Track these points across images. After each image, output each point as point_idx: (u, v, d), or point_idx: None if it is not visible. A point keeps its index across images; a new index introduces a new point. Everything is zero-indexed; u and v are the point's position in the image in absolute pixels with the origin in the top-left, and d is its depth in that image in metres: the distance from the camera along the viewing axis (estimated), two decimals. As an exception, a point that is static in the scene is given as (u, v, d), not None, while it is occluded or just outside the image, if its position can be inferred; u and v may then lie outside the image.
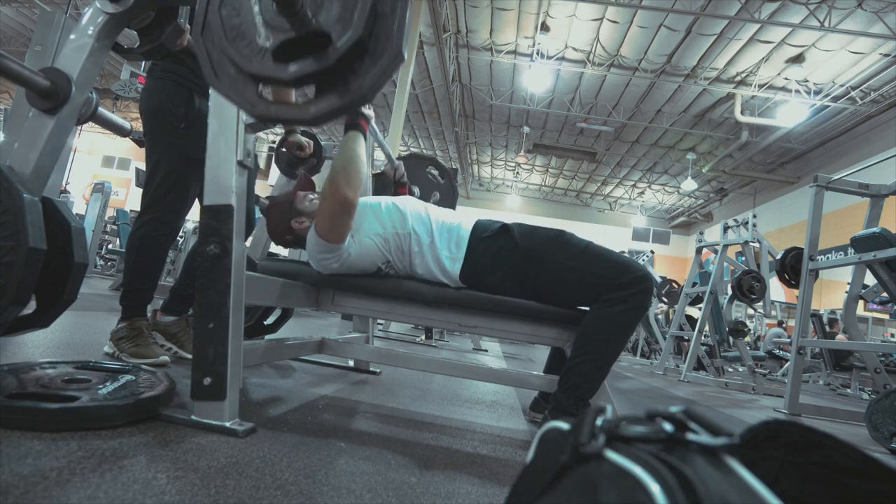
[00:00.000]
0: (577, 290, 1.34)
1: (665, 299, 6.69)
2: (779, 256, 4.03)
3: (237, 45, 0.67)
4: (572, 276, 1.33)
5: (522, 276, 1.36)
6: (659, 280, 6.77)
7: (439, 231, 1.40)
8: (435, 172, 2.48)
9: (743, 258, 4.76)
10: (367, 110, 1.36)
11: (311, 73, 0.64)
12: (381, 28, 0.66)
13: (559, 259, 1.34)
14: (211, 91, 1.04)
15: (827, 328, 6.44)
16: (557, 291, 1.37)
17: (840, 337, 6.26)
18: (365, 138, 1.34)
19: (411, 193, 2.29)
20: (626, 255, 1.46)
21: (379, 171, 2.30)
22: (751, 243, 4.65)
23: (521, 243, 1.36)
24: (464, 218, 1.46)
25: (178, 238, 5.81)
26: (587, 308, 1.35)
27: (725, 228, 4.93)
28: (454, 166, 14.80)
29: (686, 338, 5.39)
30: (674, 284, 6.74)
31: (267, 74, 0.65)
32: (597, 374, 1.27)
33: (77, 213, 4.31)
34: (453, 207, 2.51)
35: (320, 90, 0.67)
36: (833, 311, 7.06)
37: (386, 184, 2.24)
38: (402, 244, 1.38)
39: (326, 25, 0.65)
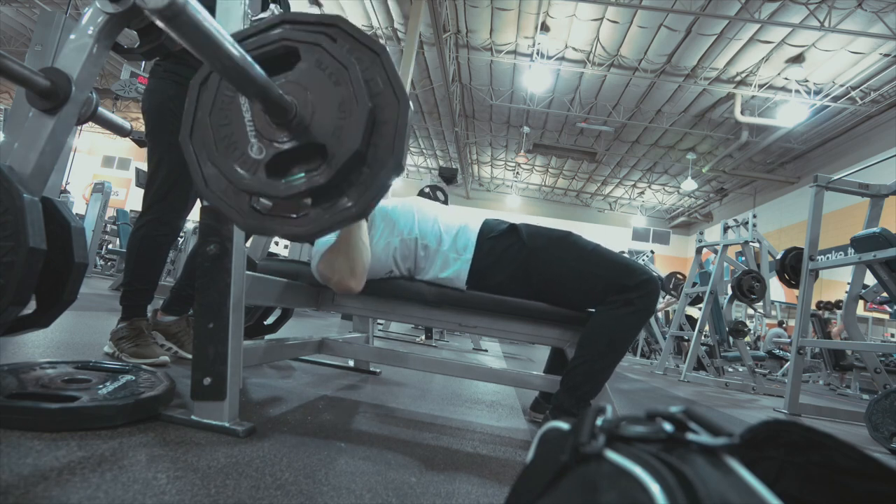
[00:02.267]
0: (583, 292, 1.34)
1: (673, 292, 6.69)
2: (779, 256, 4.03)
3: (229, 157, 0.63)
4: (578, 278, 1.33)
5: (528, 276, 1.36)
6: (663, 277, 6.78)
7: (448, 234, 1.39)
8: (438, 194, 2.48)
9: (743, 258, 4.76)
10: None
11: (306, 191, 0.62)
12: (381, 137, 0.63)
13: (566, 260, 1.34)
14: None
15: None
16: (563, 292, 1.37)
17: (837, 329, 6.28)
18: (367, 219, 1.30)
19: None
20: (625, 254, 1.45)
21: None
22: (751, 243, 4.65)
23: (528, 243, 1.36)
24: (472, 218, 1.45)
25: (179, 238, 5.80)
26: (591, 309, 1.35)
27: (725, 228, 4.93)
28: (454, 166, 14.81)
29: (686, 338, 5.39)
30: (678, 276, 6.75)
31: (260, 191, 0.63)
32: (600, 375, 1.27)
33: (77, 213, 4.32)
34: None
35: (316, 203, 0.64)
36: (833, 311, 7.06)
37: None
38: (408, 250, 1.38)
39: (321, 137, 0.62)
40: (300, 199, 0.63)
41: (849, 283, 2.89)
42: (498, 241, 1.38)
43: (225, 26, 0.98)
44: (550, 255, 1.35)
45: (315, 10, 8.23)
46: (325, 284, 1.28)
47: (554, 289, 1.37)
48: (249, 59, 0.60)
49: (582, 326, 1.33)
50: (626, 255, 1.40)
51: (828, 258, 5.96)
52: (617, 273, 1.29)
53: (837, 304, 6.58)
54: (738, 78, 9.29)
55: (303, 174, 0.62)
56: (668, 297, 6.91)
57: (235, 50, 0.58)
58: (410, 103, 0.65)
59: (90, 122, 1.37)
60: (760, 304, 4.42)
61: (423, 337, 4.13)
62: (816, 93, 9.26)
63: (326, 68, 0.66)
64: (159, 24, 0.50)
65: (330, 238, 1.28)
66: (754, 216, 4.66)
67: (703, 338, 4.81)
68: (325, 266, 1.24)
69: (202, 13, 0.53)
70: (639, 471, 0.23)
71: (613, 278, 1.29)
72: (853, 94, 9.08)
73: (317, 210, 0.64)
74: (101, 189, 5.59)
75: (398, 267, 1.38)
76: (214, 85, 0.70)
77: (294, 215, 0.65)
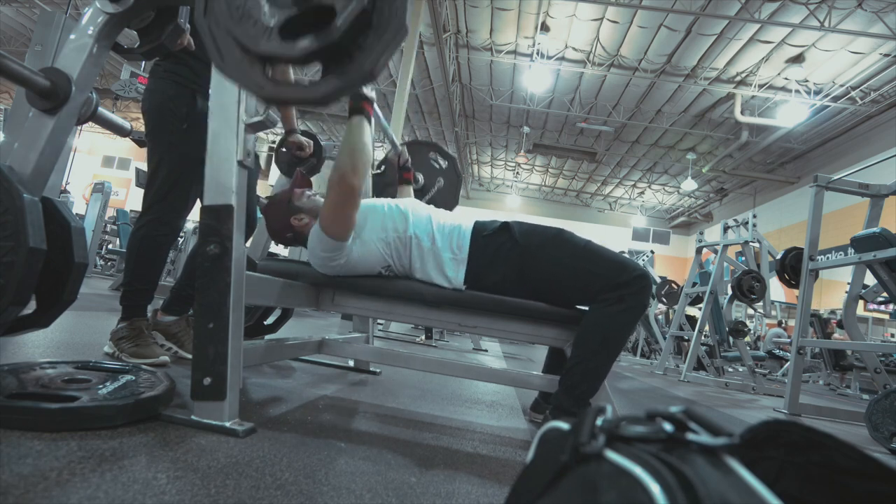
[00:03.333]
0: (576, 289, 1.34)
1: (665, 300, 6.69)
2: (779, 256, 4.03)
3: (243, 25, 0.66)
4: (570, 275, 1.33)
5: (522, 274, 1.36)
6: (658, 280, 6.77)
7: (440, 233, 1.39)
8: (438, 158, 2.47)
9: (743, 258, 4.76)
10: (370, 92, 1.33)
11: (318, 49, 0.64)
12: (385, 1, 0.66)
13: (558, 257, 1.34)
14: (211, 91, 1.04)
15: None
16: (556, 290, 1.37)
17: (836, 336, 6.27)
18: (370, 122, 1.32)
19: (415, 180, 2.28)
20: (625, 255, 1.45)
21: (379, 171, 2.30)
22: (751, 243, 4.65)
23: (520, 241, 1.36)
24: (463, 219, 1.46)
25: (179, 238, 5.81)
26: (586, 308, 1.35)
27: (725, 228, 4.93)
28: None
29: (686, 338, 5.39)
30: (673, 285, 6.74)
31: (275, 53, 0.65)
32: (597, 373, 1.27)
33: (77, 213, 4.31)
34: (458, 193, 2.51)
35: (327, 69, 0.67)
36: (833, 311, 7.06)
37: (387, 182, 2.23)
38: (401, 248, 1.38)
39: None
40: (313, 59, 0.65)
41: (849, 283, 2.89)
42: (491, 240, 1.38)
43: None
44: (543, 253, 1.35)
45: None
46: (329, 194, 1.27)
47: (548, 286, 1.37)
48: None
49: (578, 326, 1.33)
50: (618, 252, 1.39)
51: (828, 258, 5.96)
52: (609, 269, 1.30)
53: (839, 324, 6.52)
54: (738, 78, 9.29)
55: (313, 36, 0.65)
56: (659, 305, 6.89)
57: None
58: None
59: (90, 122, 1.37)
60: (760, 304, 4.42)
61: (423, 337, 4.13)
62: (816, 93, 9.26)
63: None
64: None
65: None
66: (754, 216, 4.66)
67: (703, 338, 4.81)
68: (332, 170, 1.26)
69: None
70: (639, 471, 0.23)
71: (606, 275, 1.29)
72: (853, 94, 9.08)
73: (328, 76, 0.66)
74: (101, 189, 5.59)
75: (394, 264, 1.39)
76: None
77: (307, 84, 0.68)
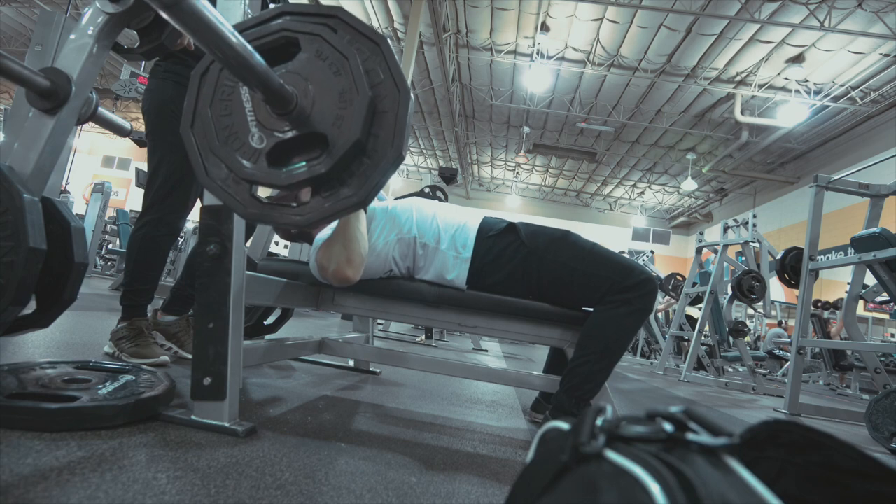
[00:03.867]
0: (581, 291, 1.34)
1: (672, 293, 6.68)
2: (779, 256, 4.03)
3: (229, 146, 0.64)
4: (576, 277, 1.33)
5: (526, 275, 1.36)
6: (662, 277, 6.78)
7: (446, 233, 1.38)
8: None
9: (743, 258, 4.76)
10: None
11: (307, 180, 0.62)
12: (381, 127, 0.63)
13: (564, 259, 1.34)
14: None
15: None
16: (561, 292, 1.37)
17: (836, 328, 6.27)
18: (365, 210, 1.30)
19: None
20: (625, 254, 1.45)
21: None
22: (751, 243, 4.65)
23: (527, 243, 1.36)
24: (470, 217, 1.45)
25: (179, 238, 5.81)
26: (590, 309, 1.35)
27: (725, 228, 4.93)
28: (454, 166, 14.81)
29: (686, 338, 5.39)
30: (678, 277, 6.75)
31: (262, 181, 0.63)
32: (599, 374, 1.27)
33: (77, 213, 4.32)
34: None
35: (316, 192, 0.65)
36: (833, 311, 7.06)
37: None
38: (406, 249, 1.37)
39: (322, 127, 0.62)
40: (301, 188, 0.64)
41: (849, 283, 2.89)
42: (497, 241, 1.38)
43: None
44: (549, 255, 1.34)
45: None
46: (323, 277, 1.27)
47: (552, 288, 1.37)
48: (250, 48, 0.61)
49: (582, 326, 1.33)
50: (624, 255, 1.39)
51: (828, 258, 5.96)
52: (615, 273, 1.29)
53: (836, 305, 6.58)
54: (738, 78, 9.29)
55: (304, 163, 0.63)
56: (667, 297, 6.91)
57: (236, 39, 0.58)
58: (411, 93, 0.65)
59: (90, 122, 1.37)
60: (760, 304, 4.42)
61: (423, 337, 4.13)
62: (816, 93, 9.26)
63: (327, 58, 0.66)
64: (161, 13, 0.50)
65: (328, 232, 1.29)
66: (754, 216, 4.66)
67: (703, 338, 4.81)
68: (322, 256, 1.24)
69: (203, 2, 0.53)
70: (639, 471, 0.23)
71: (612, 278, 1.29)
72: (853, 94, 9.08)
73: (317, 199, 0.64)
74: (101, 189, 5.59)
75: (397, 266, 1.38)
76: (215, 76, 0.70)
77: (294, 205, 0.66)
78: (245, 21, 0.73)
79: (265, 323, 1.95)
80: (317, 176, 0.61)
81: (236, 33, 0.58)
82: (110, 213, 7.19)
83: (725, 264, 4.91)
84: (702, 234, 5.37)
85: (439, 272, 1.37)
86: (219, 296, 0.96)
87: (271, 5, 1.27)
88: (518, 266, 1.35)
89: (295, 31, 0.68)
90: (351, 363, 2.10)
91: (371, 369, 2.09)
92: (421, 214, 1.41)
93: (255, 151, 0.63)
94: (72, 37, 0.99)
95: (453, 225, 1.40)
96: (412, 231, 1.37)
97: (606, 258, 1.33)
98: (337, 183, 0.64)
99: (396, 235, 1.36)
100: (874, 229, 2.64)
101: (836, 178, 2.99)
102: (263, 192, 0.73)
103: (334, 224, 1.28)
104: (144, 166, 1.70)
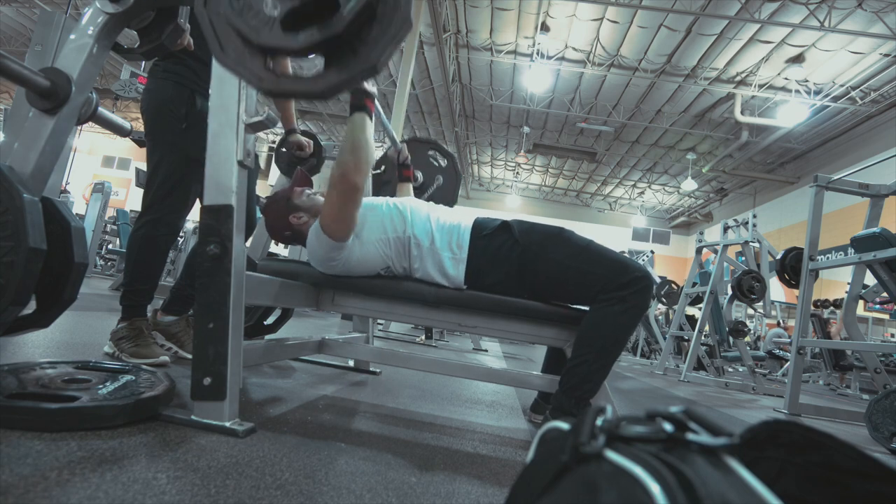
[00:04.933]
0: (576, 289, 1.34)
1: (664, 300, 6.69)
2: (779, 256, 4.03)
3: (244, 15, 0.65)
4: (571, 275, 1.32)
5: (522, 273, 1.36)
6: (658, 280, 6.77)
7: (440, 233, 1.39)
8: (437, 156, 2.47)
9: (743, 258, 4.76)
10: (372, 88, 1.32)
11: (321, 42, 0.62)
12: None
13: (558, 257, 1.33)
14: (211, 91, 1.04)
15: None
16: (556, 290, 1.37)
17: (836, 328, 6.28)
18: (371, 118, 1.31)
19: (415, 178, 2.27)
20: (625, 254, 1.45)
21: (378, 171, 2.29)
22: (751, 243, 4.65)
23: (520, 240, 1.35)
24: (464, 216, 1.45)
25: (179, 238, 5.80)
26: (586, 308, 1.34)
27: (725, 228, 4.93)
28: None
29: (686, 338, 5.39)
30: (673, 286, 6.74)
31: (276, 45, 0.63)
32: (597, 374, 1.27)
33: (77, 213, 4.31)
34: (457, 191, 2.50)
35: (329, 61, 0.65)
36: (833, 311, 7.06)
37: (386, 180, 2.23)
38: (401, 248, 1.38)
39: None
40: (315, 51, 0.64)
41: (849, 283, 2.89)
42: (491, 239, 1.38)
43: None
44: (544, 253, 1.34)
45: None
46: (331, 193, 1.26)
47: (548, 286, 1.37)
48: None
49: (579, 326, 1.33)
50: (619, 252, 1.39)
51: (828, 258, 5.96)
52: (610, 270, 1.29)
53: (835, 304, 6.58)
54: (738, 78, 9.29)
55: (316, 28, 0.63)
56: (659, 305, 6.88)
57: None
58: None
59: (90, 122, 1.37)
60: (760, 304, 4.42)
61: (423, 337, 4.13)
62: (816, 93, 9.26)
63: None
64: None
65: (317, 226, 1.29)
66: (754, 216, 4.66)
67: (703, 338, 4.81)
68: (333, 166, 1.26)
69: None
70: (639, 471, 0.23)
71: (606, 275, 1.29)
72: (853, 94, 9.08)
73: (331, 69, 0.65)
74: (101, 189, 5.59)
75: (393, 264, 1.38)
76: None
77: (309, 77, 0.67)
78: None
79: (265, 323, 1.95)
80: (330, 37, 0.62)
81: None
82: (110, 213, 7.19)
83: (725, 264, 4.91)
84: (702, 234, 5.37)
85: (436, 272, 1.37)
86: (219, 296, 0.96)
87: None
88: (513, 264, 1.35)
89: None
90: (351, 363, 2.10)
91: (371, 369, 2.09)
92: (415, 214, 1.41)
93: (270, 19, 0.64)
94: (72, 37, 0.99)
95: (447, 225, 1.40)
96: (407, 230, 1.37)
97: (601, 255, 1.33)
98: (349, 51, 0.64)
99: (392, 234, 1.37)
100: (874, 229, 2.64)
101: (836, 178, 2.99)
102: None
103: (321, 200, 1.28)
104: (144, 166, 1.70)
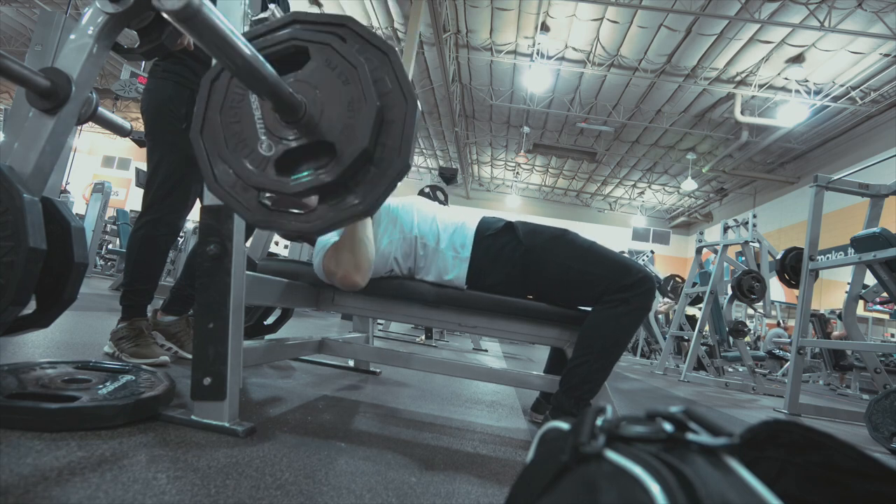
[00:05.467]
0: (579, 290, 1.34)
1: (671, 295, 6.68)
2: (779, 256, 4.03)
3: (238, 153, 0.64)
4: (574, 276, 1.32)
5: (524, 274, 1.36)
6: (661, 279, 6.77)
7: (445, 233, 1.39)
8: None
9: (743, 258, 4.76)
10: None
11: (314, 189, 0.62)
12: (388, 136, 0.63)
13: (561, 258, 1.34)
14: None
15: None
16: (559, 291, 1.37)
17: (838, 334, 6.27)
18: (372, 217, 1.32)
19: None
20: (625, 254, 1.45)
21: None
22: (751, 243, 4.65)
23: (524, 241, 1.36)
24: (468, 216, 1.46)
25: (179, 238, 5.80)
26: (588, 308, 1.34)
27: (725, 228, 4.93)
28: (454, 166, 14.82)
29: (686, 338, 5.39)
30: (677, 279, 6.74)
31: (269, 188, 0.63)
32: (598, 374, 1.27)
33: (77, 213, 4.31)
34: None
35: (323, 200, 0.65)
36: (833, 311, 7.06)
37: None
38: (408, 248, 1.38)
39: (330, 135, 0.63)
40: (308, 195, 0.64)
41: (849, 283, 2.89)
42: (495, 240, 1.38)
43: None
44: (546, 254, 1.34)
45: (315, 10, 8.24)
46: (330, 281, 1.28)
47: (550, 287, 1.37)
48: (261, 58, 0.61)
49: (581, 326, 1.33)
50: (621, 254, 1.39)
51: (828, 258, 5.96)
52: (613, 271, 1.29)
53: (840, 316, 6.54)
54: (738, 78, 9.29)
55: (311, 171, 0.63)
56: (665, 299, 6.90)
57: (247, 49, 0.58)
58: (418, 103, 0.66)
59: (90, 122, 1.37)
60: (760, 304, 4.42)
61: (423, 337, 4.13)
62: (816, 93, 9.26)
63: (336, 67, 0.66)
64: (176, 25, 0.51)
65: (332, 236, 1.29)
66: (754, 216, 4.66)
67: (702, 338, 4.81)
68: (329, 261, 1.25)
69: (216, 13, 0.53)
70: (639, 471, 0.23)
71: (609, 276, 1.29)
72: (853, 94, 9.08)
73: (323, 207, 0.65)
74: (101, 189, 5.59)
75: (399, 265, 1.38)
76: (225, 82, 0.71)
77: (301, 212, 0.66)
78: (255, 29, 0.73)
79: (265, 323, 1.95)
80: (324, 184, 0.62)
81: (248, 43, 0.59)
82: (110, 213, 7.19)
83: (725, 264, 4.91)
84: (702, 234, 5.37)
85: (439, 272, 1.37)
86: (219, 296, 0.96)
87: (270, 5, 1.28)
88: (516, 265, 1.35)
89: (305, 40, 0.69)
90: (351, 363, 2.10)
91: (371, 369, 2.09)
92: (421, 214, 1.41)
93: (264, 159, 0.64)
94: (72, 37, 0.99)
95: (452, 225, 1.40)
96: (413, 230, 1.37)
97: (604, 256, 1.33)
98: (344, 191, 0.64)
99: (399, 235, 1.37)
100: (874, 229, 2.64)
101: (836, 178, 2.99)
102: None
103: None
104: (144, 166, 1.70)
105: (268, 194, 0.66)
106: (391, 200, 1.45)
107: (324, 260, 1.26)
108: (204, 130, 0.67)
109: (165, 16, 0.49)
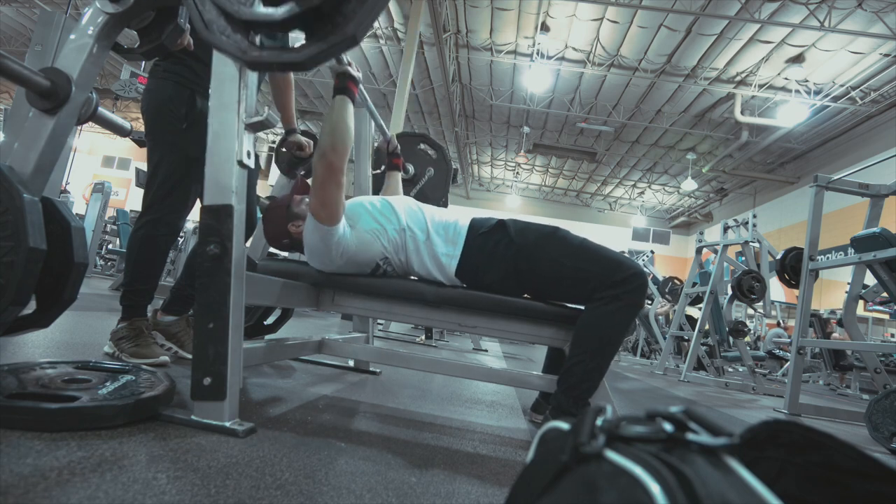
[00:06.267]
0: (571, 288, 1.34)
1: (669, 297, 6.68)
2: (779, 256, 4.03)
3: None
4: (566, 273, 1.33)
5: (518, 272, 1.36)
6: (661, 279, 6.77)
7: (435, 228, 1.40)
8: (427, 148, 2.48)
9: (743, 258, 4.76)
10: (356, 72, 1.34)
11: (300, 14, 0.64)
12: None
13: (553, 256, 1.34)
14: (211, 91, 1.04)
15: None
16: (552, 288, 1.37)
17: (836, 335, 6.27)
18: (353, 102, 1.34)
19: (405, 169, 2.28)
20: (625, 254, 1.45)
21: (378, 170, 2.30)
22: (751, 243, 4.65)
23: (516, 240, 1.36)
24: (460, 215, 1.47)
25: (179, 238, 5.80)
26: (583, 307, 1.35)
27: (725, 228, 4.93)
28: (454, 166, 14.80)
29: (686, 338, 5.39)
30: (675, 281, 6.74)
31: (257, 19, 0.65)
32: (595, 372, 1.27)
33: (77, 213, 4.31)
34: (448, 182, 2.51)
35: (309, 35, 0.67)
36: (833, 311, 7.06)
37: (375, 169, 2.25)
38: (398, 241, 1.39)
39: None
40: (296, 23, 0.66)
41: (849, 283, 2.89)
42: (487, 238, 1.38)
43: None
44: (538, 251, 1.35)
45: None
46: (314, 176, 1.30)
47: (544, 285, 1.37)
48: None
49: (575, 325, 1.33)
50: (614, 250, 1.39)
51: (828, 258, 5.96)
52: (605, 267, 1.29)
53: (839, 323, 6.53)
54: (738, 78, 9.28)
55: (295, 2, 0.65)
56: (664, 300, 6.89)
57: None
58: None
59: (90, 122, 1.37)
60: (760, 304, 4.42)
61: (423, 337, 4.13)
62: (816, 93, 9.26)
63: None
64: None
65: (313, 238, 1.31)
66: (754, 216, 4.66)
67: (702, 338, 4.81)
68: (315, 153, 1.29)
69: None
70: (639, 471, 0.23)
71: (601, 273, 1.29)
72: (853, 94, 9.08)
73: (312, 41, 0.66)
74: (101, 189, 5.59)
75: (390, 258, 1.39)
76: None
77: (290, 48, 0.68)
78: None
79: (265, 323, 1.95)
80: (310, 9, 0.64)
81: None
82: (110, 213, 7.19)
83: (725, 264, 4.91)
84: (702, 234, 5.37)
85: (431, 265, 1.38)
86: (219, 296, 0.96)
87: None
88: (510, 263, 1.36)
89: None
90: (351, 363, 2.10)
91: (371, 369, 2.09)
92: (410, 209, 1.44)
93: None
94: (72, 37, 0.99)
95: (443, 222, 1.42)
96: (402, 223, 1.39)
97: (595, 253, 1.33)
98: (329, 23, 0.66)
99: (388, 225, 1.38)
100: (874, 229, 2.64)
101: (836, 178, 2.99)
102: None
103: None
104: (144, 166, 1.70)
105: (259, 37, 0.69)
106: (371, 198, 1.47)
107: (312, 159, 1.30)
108: None
109: None
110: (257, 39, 0.69)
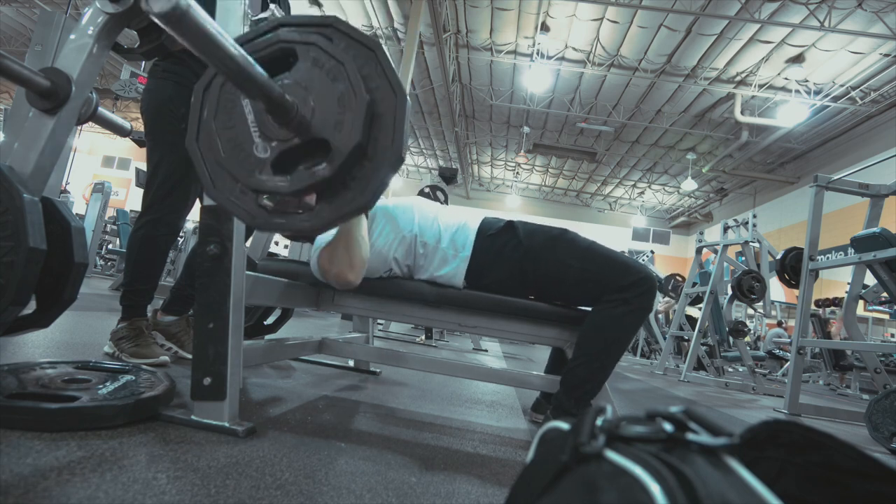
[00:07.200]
0: (579, 290, 1.34)
1: (672, 294, 6.68)
2: (779, 256, 4.03)
3: (234, 157, 0.65)
4: (574, 276, 1.32)
5: (524, 273, 1.36)
6: (662, 278, 6.77)
7: (446, 232, 1.39)
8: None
9: (743, 258, 4.76)
10: None
11: (311, 186, 0.63)
12: (380, 129, 0.65)
13: (561, 258, 1.33)
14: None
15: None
16: (558, 290, 1.37)
17: (836, 328, 6.27)
18: (367, 215, 1.32)
19: None
20: (626, 254, 1.45)
21: None
22: (751, 243, 4.65)
23: (524, 241, 1.36)
24: (470, 216, 1.46)
25: (179, 238, 5.80)
26: (588, 308, 1.34)
27: (725, 228, 4.93)
28: (454, 166, 14.81)
29: (686, 338, 5.39)
30: (678, 278, 6.74)
31: (267, 189, 0.64)
32: (598, 374, 1.27)
33: (77, 213, 4.31)
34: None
35: (321, 197, 0.66)
36: (833, 311, 7.06)
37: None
38: (408, 247, 1.38)
39: (323, 132, 0.64)
40: (306, 193, 0.65)
41: (849, 283, 2.89)
42: (495, 239, 1.38)
43: (225, 26, 0.98)
44: (547, 253, 1.34)
45: (316, 11, 8.24)
46: (324, 279, 1.28)
47: (551, 287, 1.37)
48: (251, 59, 0.62)
49: (581, 326, 1.33)
50: (623, 254, 1.39)
51: (828, 258, 5.96)
52: (613, 271, 1.29)
53: (835, 302, 6.57)
54: (738, 78, 9.28)
55: (308, 170, 0.64)
56: (666, 298, 6.90)
57: (237, 51, 0.59)
58: (408, 97, 0.67)
59: (90, 122, 1.37)
60: (760, 304, 4.42)
61: (423, 337, 4.13)
62: (816, 93, 9.26)
63: (324, 66, 0.67)
64: (164, 27, 0.51)
65: (329, 235, 1.29)
66: (754, 216, 4.66)
67: (702, 338, 4.81)
68: (324, 259, 1.25)
69: (204, 16, 0.54)
70: (639, 471, 0.23)
71: (609, 276, 1.28)
72: (853, 94, 9.08)
73: (322, 204, 0.65)
74: (101, 189, 5.59)
75: (398, 265, 1.38)
76: (217, 89, 0.72)
77: (300, 211, 0.67)
78: (244, 34, 0.74)
79: (265, 323, 1.95)
80: (321, 181, 0.62)
81: (237, 45, 0.60)
82: (110, 213, 7.19)
83: (725, 264, 4.91)
84: (702, 234, 5.37)
85: (438, 271, 1.37)
86: (219, 296, 0.96)
87: (271, 5, 1.28)
88: (516, 264, 1.35)
89: (291, 41, 0.70)
90: (351, 363, 2.10)
91: (371, 369, 2.09)
92: (422, 214, 1.41)
93: (260, 161, 0.65)
94: (72, 37, 0.99)
95: (454, 225, 1.41)
96: (413, 230, 1.37)
97: (604, 256, 1.33)
98: (341, 187, 0.65)
99: (398, 234, 1.37)
100: (874, 229, 2.64)
101: (836, 178, 2.99)
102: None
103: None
104: (144, 166, 1.70)
105: (267, 196, 0.67)
106: (388, 201, 1.46)
107: (319, 258, 1.26)
108: (199, 138, 0.67)
109: (154, 18, 0.49)
110: (265, 200, 0.68)
